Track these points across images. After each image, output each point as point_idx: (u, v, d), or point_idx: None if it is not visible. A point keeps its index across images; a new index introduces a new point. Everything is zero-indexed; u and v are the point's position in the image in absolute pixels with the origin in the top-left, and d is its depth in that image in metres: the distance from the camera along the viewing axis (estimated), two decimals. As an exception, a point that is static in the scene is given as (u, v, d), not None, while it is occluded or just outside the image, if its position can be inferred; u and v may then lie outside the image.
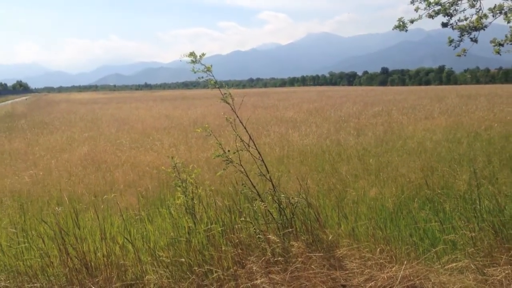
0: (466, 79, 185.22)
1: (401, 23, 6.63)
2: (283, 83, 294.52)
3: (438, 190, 8.03)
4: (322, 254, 5.07)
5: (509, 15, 5.13)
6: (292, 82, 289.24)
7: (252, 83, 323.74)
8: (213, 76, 5.76)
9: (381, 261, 4.95)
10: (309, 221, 5.61)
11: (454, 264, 4.77)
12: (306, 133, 18.19)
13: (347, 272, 4.80)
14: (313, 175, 10.30)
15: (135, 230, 6.08)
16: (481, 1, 5.77)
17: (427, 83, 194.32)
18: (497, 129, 16.47)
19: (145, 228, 6.10)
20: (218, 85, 5.80)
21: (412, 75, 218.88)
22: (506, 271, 4.51)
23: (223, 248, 5.24)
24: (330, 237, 5.37)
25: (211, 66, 5.78)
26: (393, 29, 7.91)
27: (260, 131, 19.55)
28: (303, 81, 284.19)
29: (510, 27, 5.33)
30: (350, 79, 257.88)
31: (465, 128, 17.39)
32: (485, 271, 4.59)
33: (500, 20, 5.80)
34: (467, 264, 4.72)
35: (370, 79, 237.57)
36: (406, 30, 6.89)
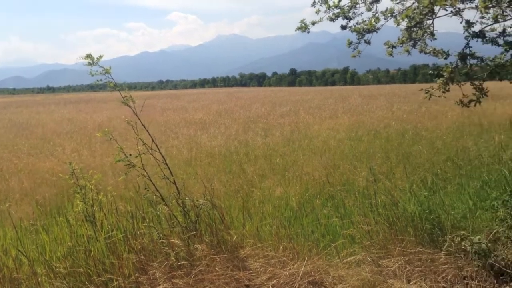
0: (368, 80, 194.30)
1: (303, 25, 6.76)
2: (193, 84, 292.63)
3: (340, 187, 8.34)
4: (226, 255, 5.08)
5: (398, 18, 5.39)
6: (203, 83, 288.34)
7: (162, 85, 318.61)
8: (112, 78, 5.58)
9: (284, 258, 5.04)
10: (214, 223, 5.60)
11: (352, 258, 4.97)
12: (214, 135, 18.19)
13: (251, 272, 4.84)
14: (220, 177, 10.30)
15: (29, 241, 5.75)
16: (377, 5, 6.00)
17: (333, 83, 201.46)
18: (395, 126, 17.40)
19: (41, 238, 5.78)
20: (118, 87, 5.63)
21: (318, 76, 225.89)
22: (399, 262, 4.76)
23: (124, 256, 5.08)
24: (234, 238, 5.40)
25: (110, 68, 5.60)
26: (295, 31, 8.06)
27: (168, 134, 19.29)
28: (213, 82, 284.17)
29: (401, 30, 5.61)
30: (260, 80, 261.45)
31: (366, 126, 18.21)
32: (380, 263, 4.81)
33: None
34: (363, 257, 4.93)
35: (279, 80, 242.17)
36: (308, 32, 7.04)
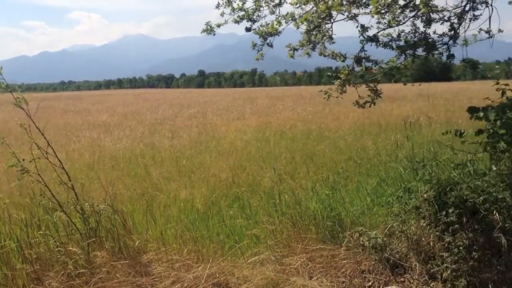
0: (276, 81, 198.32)
1: (208, 27, 6.73)
2: (98, 86, 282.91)
3: (246, 187, 8.40)
4: (128, 261, 4.92)
5: (298, 21, 5.51)
6: (108, 85, 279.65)
7: (64, 86, 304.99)
8: (3, 79, 5.23)
9: (188, 261, 4.98)
10: (115, 229, 5.41)
11: (257, 257, 5.01)
12: (119, 137, 17.67)
13: (154, 277, 4.73)
14: (125, 180, 10.01)
15: None
16: (280, 8, 6.08)
17: (242, 85, 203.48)
18: (300, 127, 17.85)
19: None
20: (10, 88, 5.28)
21: (227, 78, 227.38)
22: (302, 259, 4.86)
23: (18, 266, 4.77)
24: (137, 243, 5.25)
25: (1, 68, 5.24)
26: (201, 33, 8.01)
27: (69, 137, 18.46)
28: (119, 84, 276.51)
29: (301, 33, 5.74)
30: (168, 81, 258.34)
31: (273, 127, 18.53)
32: (283, 261, 4.89)
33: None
34: (267, 256, 4.99)
35: (187, 82, 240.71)
36: (214, 34, 7.02)
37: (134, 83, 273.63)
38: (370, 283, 4.73)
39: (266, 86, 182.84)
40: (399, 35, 6.06)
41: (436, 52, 6.81)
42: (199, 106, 36.78)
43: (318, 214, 5.70)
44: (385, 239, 5.12)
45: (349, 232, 5.21)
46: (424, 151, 8.71)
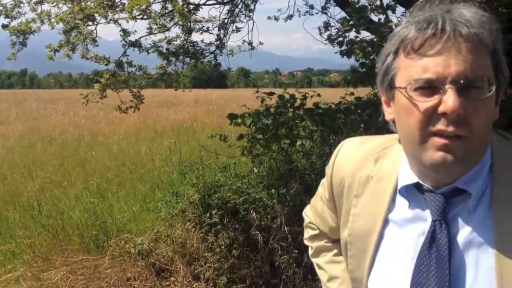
0: (50, 83, 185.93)
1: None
2: None
3: (7, 199, 7.63)
4: None
5: (53, 21, 5.17)
6: None
7: None
8: None
9: None
10: None
11: (11, 274, 4.58)
12: None
13: None
14: None
15: None
16: (42, 6, 5.65)
17: (10, 86, 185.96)
18: (72, 132, 16.97)
19: None
20: None
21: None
22: (62, 273, 4.59)
23: None
24: None
25: None
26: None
27: None
28: None
29: (59, 33, 5.41)
30: None
31: (41, 132, 17.25)
32: (41, 276, 4.56)
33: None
34: (23, 273, 4.59)
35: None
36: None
37: None
38: (135, 291, 4.70)
39: (39, 88, 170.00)
40: (169, 42, 6.17)
41: (205, 60, 7.14)
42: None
43: (82, 223, 5.45)
44: (151, 244, 5.14)
45: (114, 240, 5.09)
46: (194, 155, 9.02)
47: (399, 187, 1.17)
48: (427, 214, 1.10)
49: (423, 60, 0.97)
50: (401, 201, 1.17)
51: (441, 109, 0.95)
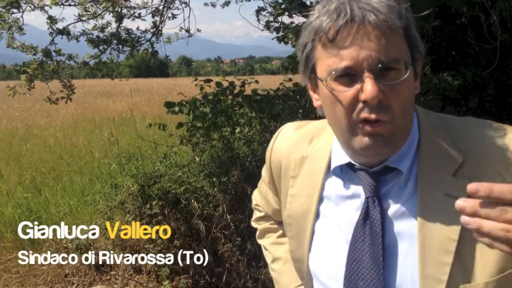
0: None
1: None
2: None
3: None
4: None
5: None
6: None
7: None
8: None
9: None
10: None
11: None
12: None
13: None
14: None
15: None
16: None
17: None
18: (5, 125, 16.27)
19: None
20: None
21: None
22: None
23: None
24: None
25: None
26: None
27: None
28: None
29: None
30: None
31: (-30, 126, 16.42)
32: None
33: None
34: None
35: None
36: None
37: None
38: (74, 286, 4.57)
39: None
40: (102, 29, 5.93)
41: (142, 48, 6.94)
42: None
43: (15, 219, 5.22)
44: (89, 238, 4.99)
45: (51, 237, 4.91)
46: (134, 146, 8.82)
47: (332, 167, 1.18)
48: (361, 191, 1.12)
49: (338, 51, 0.97)
50: (335, 180, 1.19)
51: (361, 97, 0.96)
